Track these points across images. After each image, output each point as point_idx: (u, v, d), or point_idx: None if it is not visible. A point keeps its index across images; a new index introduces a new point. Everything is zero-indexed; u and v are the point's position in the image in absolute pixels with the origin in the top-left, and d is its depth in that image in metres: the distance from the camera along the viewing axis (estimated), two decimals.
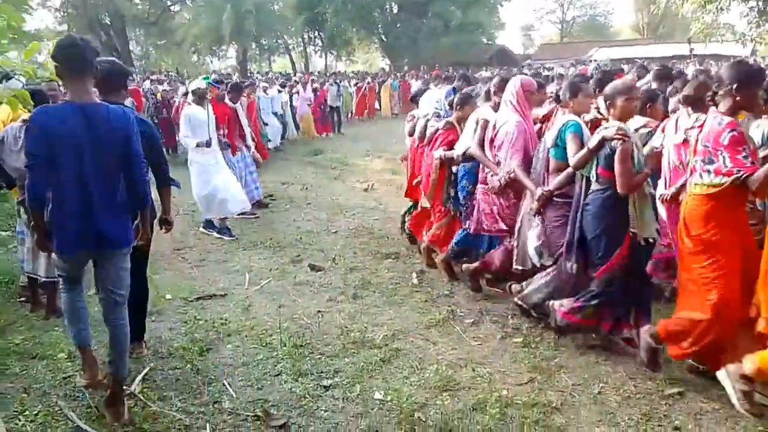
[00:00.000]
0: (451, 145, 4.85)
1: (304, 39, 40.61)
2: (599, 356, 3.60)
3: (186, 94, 8.54)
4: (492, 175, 4.29)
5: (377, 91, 21.83)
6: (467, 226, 4.67)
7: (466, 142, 4.59)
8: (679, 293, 3.27)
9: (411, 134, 5.93)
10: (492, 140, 4.30)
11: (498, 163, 4.23)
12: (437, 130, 5.07)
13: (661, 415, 2.99)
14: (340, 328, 4.09)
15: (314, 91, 16.27)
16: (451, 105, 5.18)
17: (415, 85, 22.07)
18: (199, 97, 6.45)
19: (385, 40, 39.51)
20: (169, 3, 38.35)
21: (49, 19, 35.44)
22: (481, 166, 4.48)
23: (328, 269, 5.37)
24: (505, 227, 4.30)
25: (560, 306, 3.61)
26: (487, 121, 4.42)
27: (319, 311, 4.39)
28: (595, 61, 24.61)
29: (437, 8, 36.11)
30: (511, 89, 4.23)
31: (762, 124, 3.56)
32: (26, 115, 3.99)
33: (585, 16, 54.69)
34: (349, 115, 20.34)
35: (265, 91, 13.29)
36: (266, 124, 12.15)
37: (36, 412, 3.07)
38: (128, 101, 10.93)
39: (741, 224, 3.05)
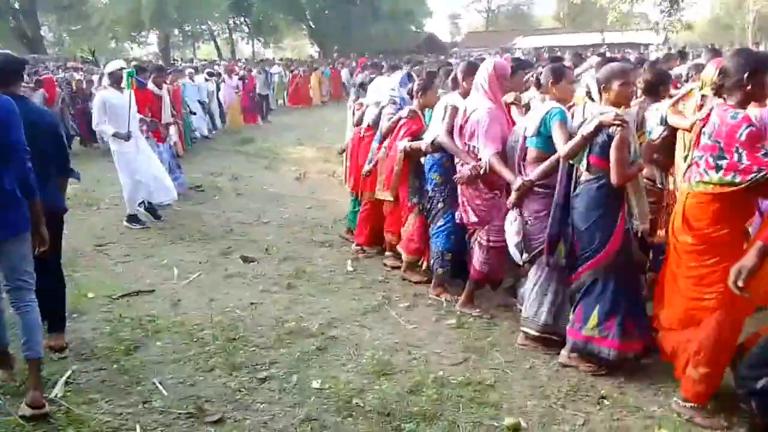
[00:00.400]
0: (415, 135, 4.58)
1: (230, 25, 39.52)
2: None
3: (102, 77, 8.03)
4: (462, 165, 3.99)
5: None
6: (446, 220, 4.29)
7: (435, 130, 4.30)
8: (662, 291, 3.04)
9: (358, 124, 5.63)
10: (462, 128, 4.01)
11: (471, 153, 3.94)
12: (399, 119, 4.75)
13: (588, 386, 3.14)
14: (274, 318, 4.03)
15: (242, 79, 15.84)
16: (410, 93, 4.91)
17: (344, 74, 22.02)
18: (116, 81, 6.03)
19: (313, 27, 39.04)
20: None
21: None
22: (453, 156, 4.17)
23: (261, 260, 5.27)
24: (475, 219, 3.97)
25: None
26: (456, 108, 4.11)
27: (252, 303, 4.30)
28: (518, 49, 25.29)
29: None
30: (483, 73, 3.91)
31: (661, 107, 3.73)
32: None
33: (509, 6, 56.07)
34: (282, 102, 19.99)
35: (191, 78, 12.77)
36: (194, 113, 11.70)
37: None
38: (39, 93, 10.30)
39: (744, 222, 2.86)
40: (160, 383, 3.20)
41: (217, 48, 40.01)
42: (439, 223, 4.35)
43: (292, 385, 3.19)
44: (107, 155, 6.83)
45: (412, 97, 4.90)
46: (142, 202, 6.41)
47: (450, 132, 4.11)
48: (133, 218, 6.29)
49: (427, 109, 4.73)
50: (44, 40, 35.13)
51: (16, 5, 32.62)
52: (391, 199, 4.81)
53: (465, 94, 4.19)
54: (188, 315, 4.11)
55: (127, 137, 5.91)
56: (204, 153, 10.98)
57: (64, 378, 3.21)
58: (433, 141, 4.26)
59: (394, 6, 35.77)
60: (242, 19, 39.28)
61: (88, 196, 7.34)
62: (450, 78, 4.62)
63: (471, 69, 4.23)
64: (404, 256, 4.75)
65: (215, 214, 6.92)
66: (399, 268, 4.87)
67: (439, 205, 4.32)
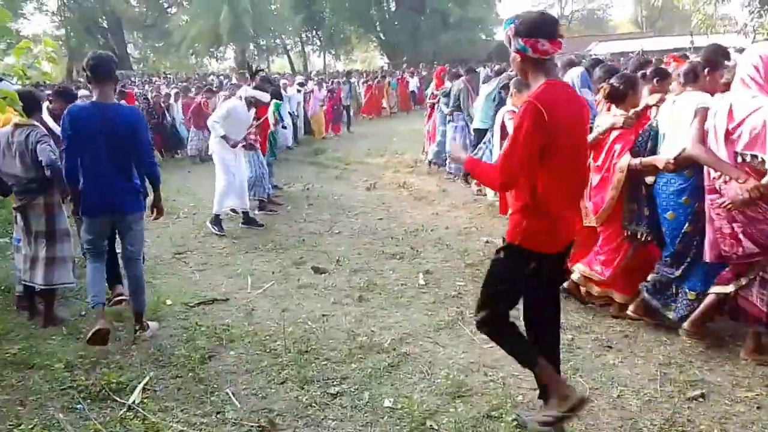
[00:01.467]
0: (632, 149, 3.85)
1: (302, 38, 40.53)
2: (616, 358, 3.47)
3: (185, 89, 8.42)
4: (726, 181, 3.18)
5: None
6: (691, 254, 3.58)
7: (678, 140, 3.48)
8: None
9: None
10: (729, 133, 3.18)
11: (744, 165, 3.14)
12: (610, 130, 3.92)
13: (684, 420, 2.86)
14: (346, 332, 3.97)
15: (330, 91, 16.13)
16: (610, 96, 3.98)
17: (413, 83, 22.02)
18: (248, 104, 6.74)
19: (383, 38, 39.38)
20: (165, 5, 38.26)
21: (46, 24, 35.52)
22: (706, 171, 3.37)
23: (332, 271, 5.24)
24: (756, 249, 3.20)
25: None
26: (706, 110, 3.35)
27: (323, 315, 4.27)
28: (595, 56, 24.41)
29: (435, 4, 36.02)
30: (751, 63, 3.14)
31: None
32: (17, 119, 3.88)
33: (583, 11, 54.58)
34: (355, 113, 20.20)
35: (285, 89, 12.67)
36: (285, 127, 11.18)
37: (32, 425, 2.95)
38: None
39: None
40: (233, 394, 3.21)
41: (290, 61, 41.10)
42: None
43: (363, 402, 3.11)
44: (187, 166, 7.07)
45: (610, 101, 4.05)
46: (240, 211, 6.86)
47: (702, 141, 3.34)
48: (217, 221, 6.60)
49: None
50: (130, 57, 37.27)
51: (105, 24, 34.84)
52: (597, 225, 4.07)
53: (707, 91, 3.55)
54: (261, 325, 4.12)
55: (236, 144, 6.53)
56: (277, 163, 11.17)
57: (141, 384, 3.27)
58: (678, 155, 3.45)
59: (464, 14, 35.54)
60: (314, 32, 40.18)
61: (168, 205, 7.57)
62: (683, 72, 3.72)
63: (713, 59, 3.61)
64: (616, 297, 4.04)
65: (288, 224, 7.00)
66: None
67: (697, 239, 3.53)
